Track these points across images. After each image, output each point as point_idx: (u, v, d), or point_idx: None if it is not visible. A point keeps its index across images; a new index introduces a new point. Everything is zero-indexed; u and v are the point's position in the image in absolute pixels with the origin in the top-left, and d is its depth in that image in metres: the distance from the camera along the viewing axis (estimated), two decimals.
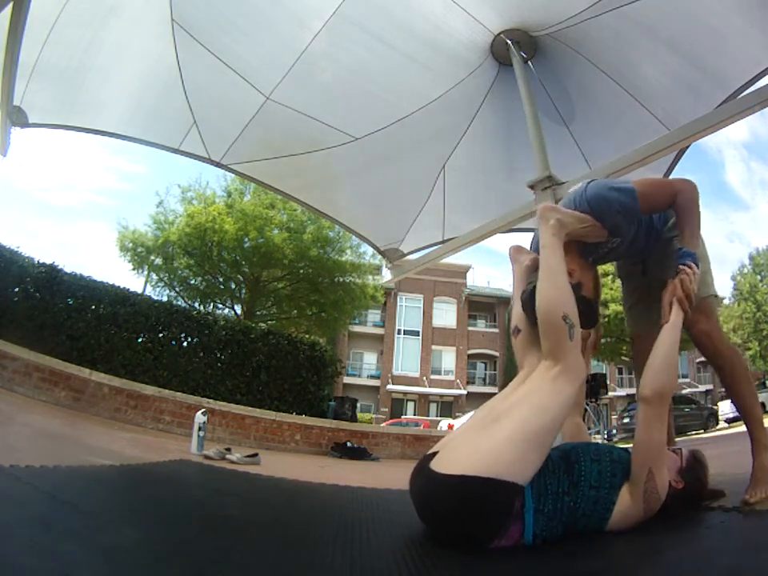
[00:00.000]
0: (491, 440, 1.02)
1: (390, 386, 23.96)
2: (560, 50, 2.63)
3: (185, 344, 6.22)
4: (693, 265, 1.24)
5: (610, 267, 17.53)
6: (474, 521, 0.97)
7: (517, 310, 1.41)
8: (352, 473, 3.50)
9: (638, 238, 1.51)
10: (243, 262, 11.72)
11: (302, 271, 12.09)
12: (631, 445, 1.15)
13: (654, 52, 2.44)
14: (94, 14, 2.39)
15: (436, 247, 3.94)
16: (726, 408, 14.94)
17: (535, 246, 1.50)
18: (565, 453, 1.14)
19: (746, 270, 20.27)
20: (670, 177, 3.15)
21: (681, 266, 1.24)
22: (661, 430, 1.08)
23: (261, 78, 2.82)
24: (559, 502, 1.03)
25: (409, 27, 2.55)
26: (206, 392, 5.73)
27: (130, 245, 11.54)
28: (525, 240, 1.98)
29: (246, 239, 11.17)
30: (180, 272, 11.99)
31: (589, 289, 1.38)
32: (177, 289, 12.43)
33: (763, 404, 14.79)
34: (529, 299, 1.32)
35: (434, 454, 1.10)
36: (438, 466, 1.04)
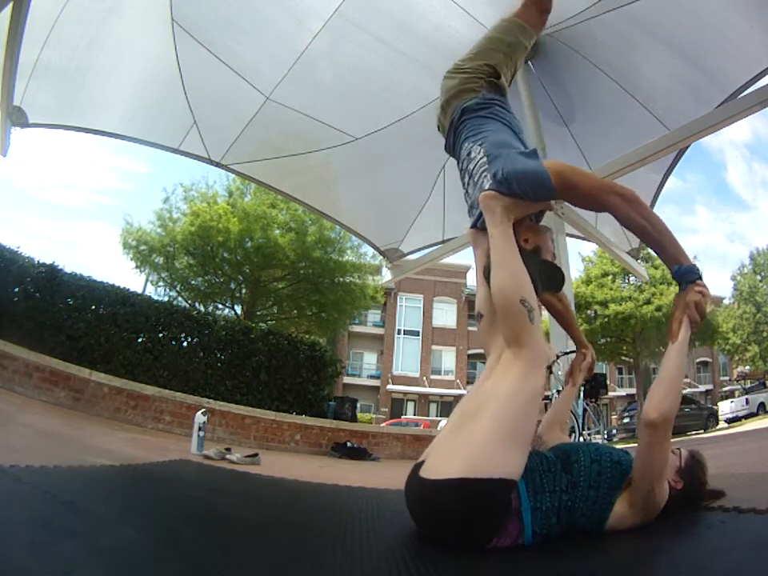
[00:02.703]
0: (470, 438, 1.02)
1: (389, 386, 23.95)
2: (560, 50, 2.63)
3: (185, 344, 6.21)
4: (704, 284, 1.13)
5: (610, 267, 17.25)
6: (472, 523, 0.97)
7: (480, 295, 1.39)
8: (352, 473, 3.50)
9: None
10: (244, 262, 11.71)
11: (302, 272, 12.09)
12: (631, 445, 1.14)
13: (654, 52, 2.44)
14: (94, 13, 2.39)
15: (436, 247, 3.95)
16: (725, 408, 14.97)
17: (473, 220, 1.49)
18: (564, 452, 1.14)
19: (745, 270, 20.26)
20: (667, 178, 3.16)
21: (696, 286, 1.12)
22: (665, 451, 1.07)
23: (261, 78, 2.82)
24: (557, 500, 1.03)
25: (409, 27, 2.55)
26: (206, 392, 5.73)
27: (134, 243, 11.51)
28: None
29: (248, 239, 11.16)
30: (182, 272, 11.97)
31: (549, 251, 1.36)
32: (177, 288, 12.42)
33: (763, 404, 14.67)
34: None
35: (422, 462, 1.10)
36: (427, 473, 1.04)
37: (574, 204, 1.40)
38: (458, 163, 1.64)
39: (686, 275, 1.14)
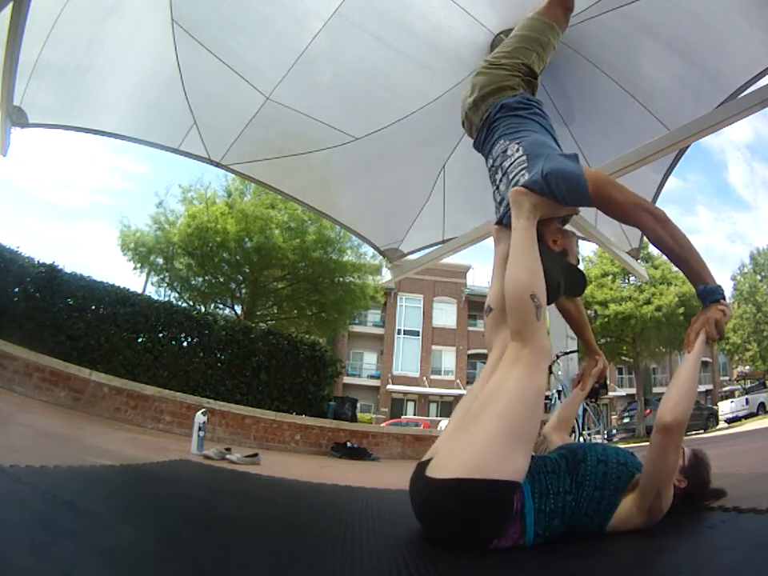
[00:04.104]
0: (475, 438, 1.02)
1: (389, 386, 23.95)
2: (560, 50, 2.62)
3: (185, 344, 6.22)
4: (726, 304, 1.16)
5: (610, 267, 17.25)
6: (473, 523, 0.97)
7: (494, 290, 1.40)
8: (352, 473, 3.50)
9: None
10: (244, 262, 11.72)
11: (302, 272, 12.10)
12: (632, 445, 1.14)
13: (654, 52, 2.44)
14: (94, 13, 2.39)
15: (436, 247, 3.94)
16: (725, 408, 14.97)
17: (499, 216, 1.52)
18: (571, 451, 1.14)
19: (746, 270, 20.26)
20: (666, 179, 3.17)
21: (719, 305, 1.14)
22: (676, 456, 1.07)
23: (261, 78, 2.82)
24: (561, 502, 1.03)
25: (409, 27, 2.54)
26: (206, 392, 5.73)
27: (132, 245, 11.53)
28: None
29: (248, 240, 11.16)
30: (181, 272, 11.98)
31: (574, 256, 1.38)
32: (178, 289, 12.43)
33: (763, 404, 14.66)
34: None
35: (428, 460, 1.10)
36: (433, 472, 1.04)
37: (603, 213, 1.39)
38: (488, 160, 1.63)
39: (710, 295, 1.16)
